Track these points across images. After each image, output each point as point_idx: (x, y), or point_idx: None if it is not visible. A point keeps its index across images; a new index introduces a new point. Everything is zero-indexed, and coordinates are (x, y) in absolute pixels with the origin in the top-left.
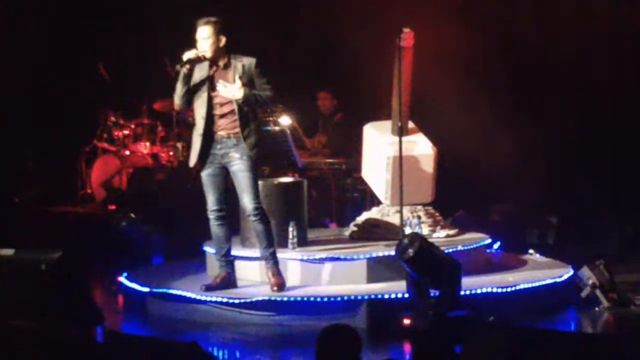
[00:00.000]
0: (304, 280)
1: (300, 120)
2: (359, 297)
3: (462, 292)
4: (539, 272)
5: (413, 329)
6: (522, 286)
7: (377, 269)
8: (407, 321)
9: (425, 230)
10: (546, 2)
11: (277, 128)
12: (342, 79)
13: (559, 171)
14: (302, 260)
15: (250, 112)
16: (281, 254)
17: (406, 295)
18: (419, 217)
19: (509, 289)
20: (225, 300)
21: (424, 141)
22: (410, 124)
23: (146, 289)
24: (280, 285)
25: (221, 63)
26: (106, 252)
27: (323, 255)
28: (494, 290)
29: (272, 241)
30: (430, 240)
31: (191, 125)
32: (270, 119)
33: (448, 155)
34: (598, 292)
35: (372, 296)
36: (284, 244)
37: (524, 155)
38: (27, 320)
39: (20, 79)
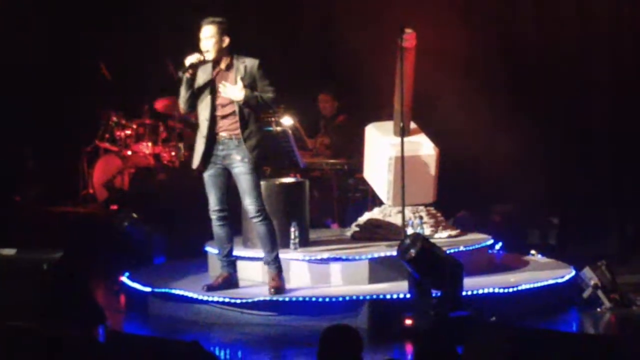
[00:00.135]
0: (306, 280)
1: (301, 121)
2: (361, 298)
3: (463, 293)
4: (541, 273)
5: (415, 330)
6: (523, 287)
7: (379, 270)
8: (408, 321)
9: (427, 231)
10: (546, 2)
11: (278, 128)
12: (343, 79)
13: (559, 171)
14: (304, 260)
15: (252, 114)
16: (283, 254)
17: (408, 296)
18: (421, 217)
19: (510, 290)
20: (226, 300)
21: (426, 142)
22: (412, 125)
23: (148, 289)
24: (278, 289)
25: (224, 64)
26: (108, 252)
27: (325, 255)
28: (496, 290)
29: (275, 244)
30: (432, 240)
31: (193, 126)
32: (272, 119)
33: (448, 155)
34: (600, 293)
35: (374, 296)
36: (285, 244)
37: (524, 155)
38: (28, 321)
39: (21, 79)
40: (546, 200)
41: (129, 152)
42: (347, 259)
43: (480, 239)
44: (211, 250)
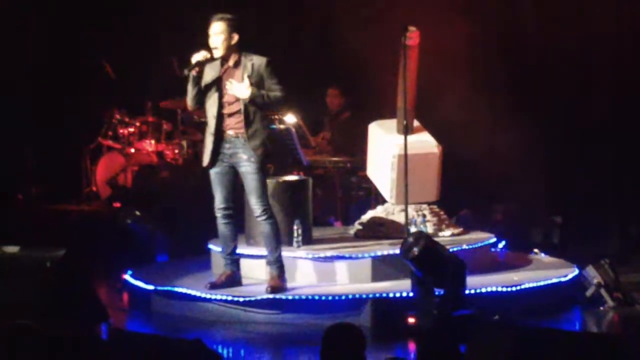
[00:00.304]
0: (309, 278)
1: (304, 118)
2: (364, 296)
3: (466, 291)
4: (544, 272)
5: (417, 328)
6: (526, 285)
7: (382, 268)
8: (411, 320)
9: (430, 229)
10: (546, 2)
11: (282, 126)
12: (346, 77)
13: (559, 171)
14: (307, 258)
15: (258, 112)
16: (286, 252)
17: (411, 294)
18: (424, 215)
19: (513, 288)
20: (229, 298)
21: (429, 140)
22: (416, 123)
23: (151, 287)
24: (276, 289)
25: (232, 61)
26: (111, 250)
27: (328, 253)
28: (499, 289)
29: (279, 244)
30: (435, 239)
31: (197, 124)
32: (276, 117)
33: (449, 154)
34: (603, 292)
35: (377, 295)
36: (288, 242)
37: (524, 155)
38: (31, 318)
39: (21, 79)
40: (547, 199)
41: (132, 150)
42: (350, 257)
43: (483, 238)
44: (214, 248)
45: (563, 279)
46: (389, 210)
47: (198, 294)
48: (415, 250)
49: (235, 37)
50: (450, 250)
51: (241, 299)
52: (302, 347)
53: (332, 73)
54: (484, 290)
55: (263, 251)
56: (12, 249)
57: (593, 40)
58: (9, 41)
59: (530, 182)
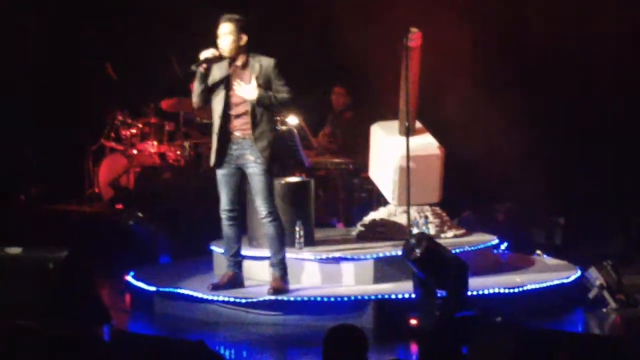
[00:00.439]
0: (311, 280)
1: (307, 118)
2: (366, 297)
3: (469, 293)
4: (546, 273)
5: (420, 330)
6: (529, 287)
7: (384, 269)
8: (413, 321)
9: (432, 231)
10: (546, 2)
11: (284, 127)
12: (346, 77)
13: (560, 171)
14: (309, 260)
15: (265, 114)
16: (288, 254)
17: (413, 296)
18: (426, 217)
19: (516, 290)
20: (232, 299)
21: (432, 141)
22: (418, 124)
23: (153, 288)
24: (278, 290)
25: (240, 62)
26: (113, 251)
27: (330, 255)
28: (501, 290)
29: (283, 247)
30: (438, 240)
31: (198, 126)
32: (278, 118)
33: (449, 155)
34: (605, 293)
35: (379, 296)
36: (291, 244)
37: (524, 155)
38: (33, 320)
39: (21, 79)
40: (547, 200)
41: (135, 151)
42: (352, 259)
43: (485, 239)
44: (216, 249)
45: (565, 281)
46: (391, 212)
47: (200, 295)
48: (418, 251)
49: (244, 38)
50: (453, 251)
51: (243, 300)
52: (305, 348)
53: (332, 73)
54: (486, 291)
55: (266, 252)
56: (15, 250)
57: (593, 40)
58: (9, 41)
59: (530, 182)
